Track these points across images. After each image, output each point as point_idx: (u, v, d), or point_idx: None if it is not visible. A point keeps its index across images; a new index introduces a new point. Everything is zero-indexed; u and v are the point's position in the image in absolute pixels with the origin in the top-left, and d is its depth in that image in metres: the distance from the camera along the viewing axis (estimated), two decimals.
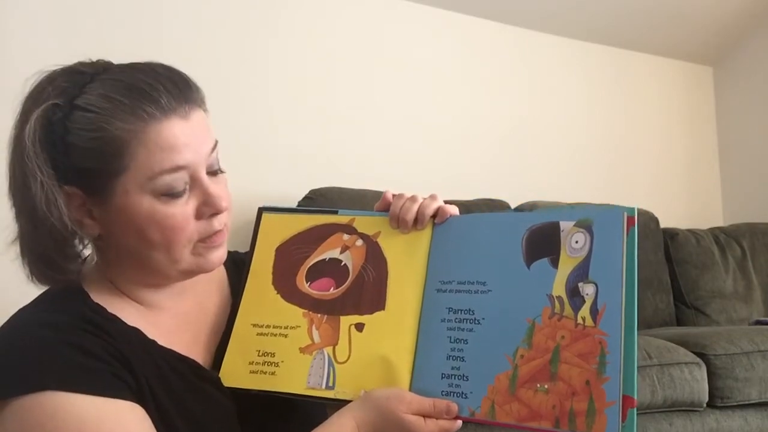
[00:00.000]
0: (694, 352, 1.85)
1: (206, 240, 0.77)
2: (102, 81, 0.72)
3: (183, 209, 0.74)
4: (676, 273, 2.62)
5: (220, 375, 0.81)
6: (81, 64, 0.76)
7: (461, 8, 2.63)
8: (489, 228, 0.81)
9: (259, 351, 0.82)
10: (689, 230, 2.72)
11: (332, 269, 0.86)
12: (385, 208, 0.87)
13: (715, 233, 2.75)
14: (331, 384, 0.78)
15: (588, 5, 2.76)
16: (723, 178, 3.23)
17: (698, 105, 3.25)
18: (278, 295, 0.85)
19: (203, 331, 0.84)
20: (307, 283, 0.85)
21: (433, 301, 0.81)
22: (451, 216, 0.85)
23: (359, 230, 0.87)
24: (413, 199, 0.85)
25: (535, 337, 0.73)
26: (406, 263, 0.84)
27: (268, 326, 0.83)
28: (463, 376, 0.75)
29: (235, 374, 0.81)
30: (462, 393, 0.75)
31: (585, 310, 0.71)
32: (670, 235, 2.68)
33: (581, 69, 2.93)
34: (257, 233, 0.90)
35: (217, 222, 0.77)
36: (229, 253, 0.92)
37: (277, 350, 0.81)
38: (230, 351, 0.83)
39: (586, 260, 0.73)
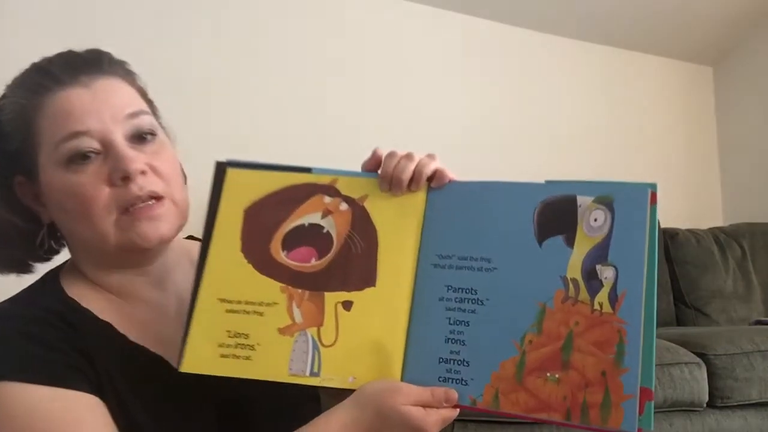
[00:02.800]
0: (694, 352, 1.85)
1: (130, 211, 0.72)
2: (21, 72, 0.77)
3: (93, 177, 0.71)
4: (676, 273, 2.62)
5: (183, 360, 0.71)
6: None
7: (461, 8, 2.63)
8: (496, 198, 0.74)
9: (230, 331, 0.72)
10: (689, 230, 2.72)
11: (313, 237, 0.75)
12: (374, 168, 0.77)
13: (715, 233, 2.75)
14: (316, 370, 0.70)
15: (588, 5, 2.76)
16: (723, 178, 3.23)
17: (698, 105, 3.25)
18: (250, 266, 0.74)
19: (181, 323, 0.81)
20: (283, 252, 0.74)
21: (430, 277, 0.73)
22: (450, 180, 0.76)
23: (343, 192, 0.76)
24: (409, 157, 0.75)
25: (546, 322, 0.67)
26: (398, 232, 0.74)
27: (239, 302, 0.73)
28: (464, 361, 0.69)
29: (201, 358, 0.71)
30: (462, 380, 0.69)
31: (603, 296, 0.66)
32: (670, 235, 2.68)
33: (581, 69, 2.93)
34: (220, 191, 0.76)
35: (136, 187, 0.72)
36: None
37: (251, 331, 0.71)
38: (194, 331, 0.72)
39: (606, 241, 0.67)
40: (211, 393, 0.77)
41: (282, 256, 0.74)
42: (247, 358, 0.71)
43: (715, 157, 3.26)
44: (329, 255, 0.74)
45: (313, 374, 0.70)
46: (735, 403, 1.84)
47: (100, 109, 0.72)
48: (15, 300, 0.77)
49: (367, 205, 0.75)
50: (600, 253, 0.67)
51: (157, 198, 0.74)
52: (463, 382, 0.69)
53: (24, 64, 0.78)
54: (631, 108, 3.03)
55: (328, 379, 0.70)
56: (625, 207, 0.67)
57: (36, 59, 0.77)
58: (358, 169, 0.79)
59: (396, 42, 2.52)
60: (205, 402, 0.78)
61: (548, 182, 0.73)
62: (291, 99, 2.28)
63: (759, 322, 2.38)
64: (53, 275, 0.80)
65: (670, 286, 2.61)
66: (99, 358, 0.72)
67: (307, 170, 0.78)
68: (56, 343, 0.70)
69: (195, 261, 0.84)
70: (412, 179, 0.75)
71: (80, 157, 0.71)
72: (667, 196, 3.15)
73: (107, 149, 0.72)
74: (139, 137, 0.74)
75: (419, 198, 0.75)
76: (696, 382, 1.78)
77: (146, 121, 0.75)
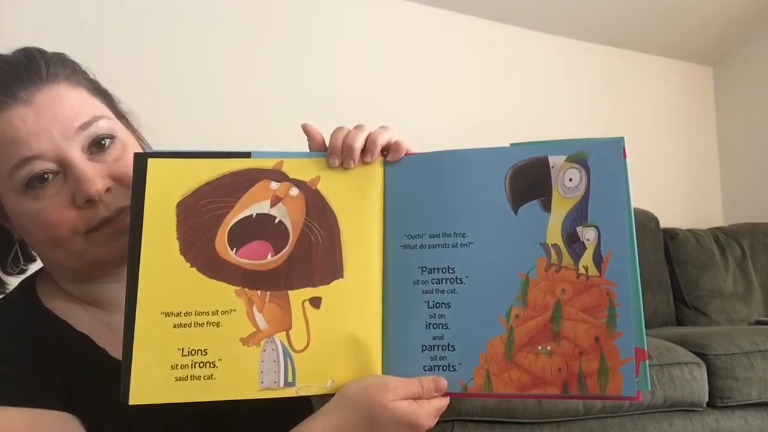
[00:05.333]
0: (694, 352, 1.85)
1: (102, 228, 0.68)
2: None
3: (53, 201, 0.67)
4: (676, 273, 2.62)
5: (129, 392, 0.61)
6: None
7: (461, 8, 2.63)
8: (462, 167, 0.67)
9: (183, 349, 0.62)
10: (689, 230, 2.72)
11: (264, 229, 0.66)
12: (321, 149, 0.70)
13: (715, 233, 2.75)
14: (290, 380, 0.63)
15: (588, 5, 2.76)
16: (723, 178, 3.23)
17: (698, 105, 3.25)
18: (194, 269, 0.64)
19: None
20: (232, 249, 0.65)
21: (400, 259, 0.67)
22: (407, 154, 0.69)
23: (291, 176, 0.68)
24: (359, 127, 0.69)
25: (531, 294, 0.63)
26: (360, 214, 0.67)
27: (187, 314, 0.63)
28: (449, 345, 0.65)
29: (151, 386, 0.61)
30: (449, 365, 0.64)
31: (587, 258, 0.62)
32: (670, 235, 2.68)
33: (581, 69, 2.93)
34: (143, 187, 0.65)
35: (102, 207, 0.68)
36: None
37: (209, 345, 0.62)
38: (137, 355, 0.61)
39: (584, 200, 0.63)
40: (192, 408, 0.74)
41: (231, 255, 0.65)
42: (209, 377, 0.62)
43: (715, 157, 3.26)
44: (287, 248, 0.66)
45: (287, 384, 0.63)
46: (735, 403, 1.84)
47: (47, 127, 0.66)
48: None
49: (320, 187, 0.68)
50: (579, 214, 0.63)
51: (126, 208, 0.69)
52: (451, 368, 0.64)
53: None
54: (631, 108, 3.03)
55: (305, 387, 0.64)
56: (600, 163, 0.64)
57: None
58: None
59: (396, 42, 2.52)
60: (185, 418, 0.73)
61: (513, 145, 0.69)
62: (290, 99, 2.28)
63: (759, 322, 2.39)
64: (30, 285, 0.76)
65: (670, 286, 2.61)
66: (73, 373, 0.69)
67: (246, 154, 0.68)
68: (25, 360, 0.67)
69: None
70: (364, 150, 0.68)
71: (37, 180, 0.66)
72: (667, 196, 3.16)
73: (65, 168, 0.67)
74: (98, 144, 0.69)
75: (377, 173, 0.68)
76: (696, 382, 1.77)
77: (102, 126, 0.69)
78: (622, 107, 3.01)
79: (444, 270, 0.66)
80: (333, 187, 0.68)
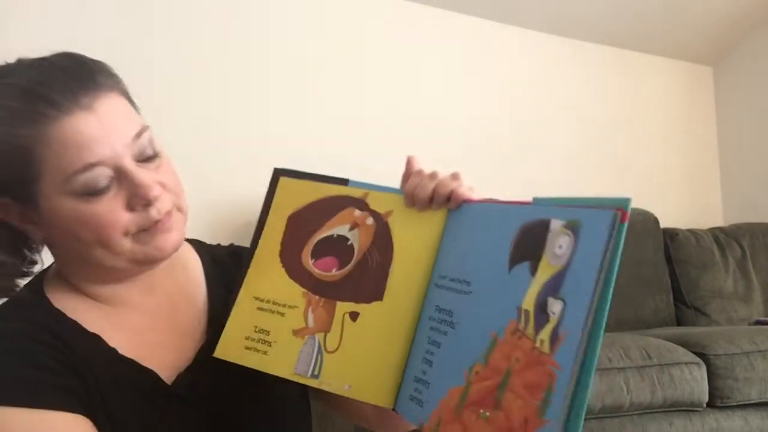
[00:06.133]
0: (694, 352, 1.85)
1: (149, 228, 0.73)
2: (1, 87, 0.70)
3: (110, 205, 0.70)
4: (676, 273, 2.63)
5: (218, 347, 0.77)
6: None
7: (461, 8, 2.63)
8: (488, 219, 0.70)
9: (256, 327, 0.77)
10: (689, 230, 2.72)
11: (338, 248, 0.78)
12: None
13: (715, 233, 2.75)
14: (316, 373, 0.74)
15: (588, 5, 2.76)
16: (723, 178, 3.23)
17: (698, 105, 3.25)
18: (283, 270, 0.79)
19: (174, 330, 0.81)
20: (311, 259, 0.79)
21: (430, 296, 0.73)
22: (464, 202, 0.74)
23: (371, 207, 0.79)
24: (432, 176, 0.76)
25: (494, 354, 0.61)
26: (413, 251, 0.76)
27: (268, 301, 0.78)
28: (426, 382, 0.68)
29: (230, 347, 0.77)
30: (420, 400, 0.67)
31: (546, 332, 0.57)
32: (670, 235, 2.68)
33: (581, 69, 2.93)
34: (272, 198, 0.82)
35: (155, 211, 0.72)
36: (208, 247, 0.91)
37: (272, 329, 0.77)
38: (231, 322, 0.78)
39: (563, 270, 0.58)
40: (206, 406, 0.77)
41: (310, 263, 0.79)
42: (264, 353, 0.76)
43: (715, 157, 3.26)
44: (348, 267, 0.78)
45: (313, 376, 0.74)
46: (735, 403, 1.84)
47: (109, 135, 0.69)
48: (1, 314, 0.74)
49: (390, 220, 0.78)
50: (555, 284, 0.58)
51: (171, 211, 0.75)
52: (420, 403, 0.67)
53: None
54: (631, 108, 3.03)
55: (326, 383, 0.73)
56: (587, 234, 0.57)
57: (13, 79, 0.71)
58: (359, 178, 0.81)
59: (395, 42, 2.52)
60: (199, 416, 0.77)
61: (535, 200, 0.67)
62: (290, 99, 2.28)
63: (759, 322, 2.39)
64: (38, 285, 0.77)
65: (670, 286, 2.61)
66: (88, 373, 0.71)
67: (344, 182, 0.81)
68: (45, 360, 0.69)
69: (186, 266, 0.85)
70: (432, 198, 0.75)
71: (97, 189, 0.69)
72: (667, 196, 3.16)
73: (120, 175, 0.70)
74: (144, 153, 0.73)
75: (439, 218, 0.76)
76: (696, 382, 1.78)
77: (147, 138, 0.74)
78: (622, 107, 3.01)
79: (445, 312, 0.70)
80: (400, 223, 0.78)
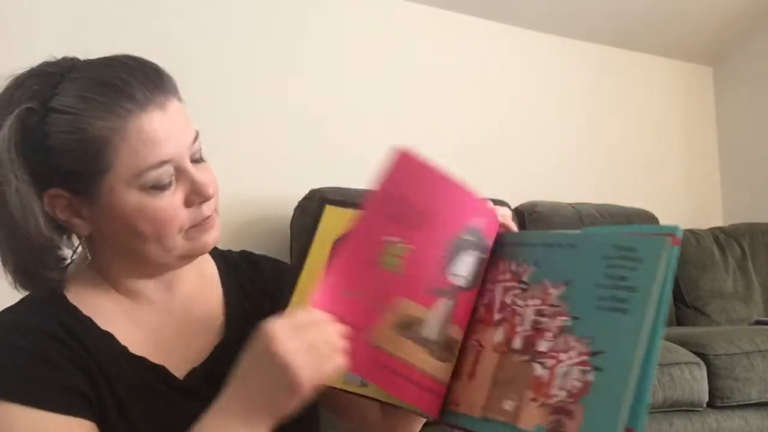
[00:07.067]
0: (694, 352, 1.85)
1: (198, 225, 0.77)
2: (73, 80, 0.71)
3: (171, 200, 0.73)
4: (676, 273, 2.62)
5: None
6: (47, 64, 0.75)
7: (461, 8, 2.63)
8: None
9: None
10: (689, 230, 2.72)
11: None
12: None
13: (715, 233, 2.75)
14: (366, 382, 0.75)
15: (588, 5, 2.76)
16: (723, 178, 3.23)
17: (698, 105, 3.25)
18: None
19: (188, 327, 0.82)
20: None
21: None
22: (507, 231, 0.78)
23: None
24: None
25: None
26: None
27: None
28: None
29: None
30: None
31: None
32: None
33: (581, 69, 2.93)
34: (317, 226, 0.82)
35: (206, 208, 0.77)
36: (221, 251, 0.92)
37: None
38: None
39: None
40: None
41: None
42: None
43: (715, 157, 3.26)
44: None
45: (363, 384, 0.73)
46: (735, 403, 1.84)
47: (176, 135, 0.73)
48: (17, 310, 0.76)
49: None
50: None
51: (214, 209, 0.79)
52: None
53: (22, 59, 0.74)
54: (631, 108, 3.03)
55: (374, 389, 0.72)
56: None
57: (83, 73, 0.72)
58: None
59: (396, 42, 2.52)
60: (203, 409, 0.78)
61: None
62: (289, 99, 2.28)
63: (759, 322, 2.39)
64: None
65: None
66: (100, 371, 0.72)
67: None
68: (58, 359, 0.70)
69: (201, 266, 0.86)
70: None
71: (163, 184, 0.73)
72: (667, 196, 3.14)
73: (179, 173, 0.74)
74: (197, 160, 0.77)
75: None
76: (696, 382, 1.78)
77: (199, 143, 0.78)
78: (622, 107, 3.01)
79: None
80: None
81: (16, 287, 0.76)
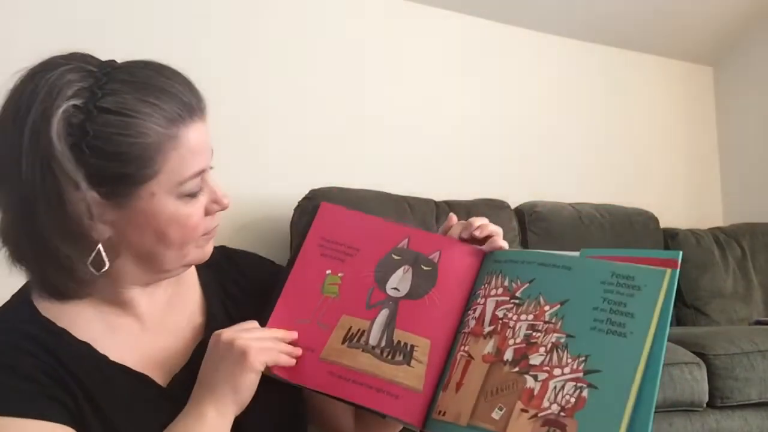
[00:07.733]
0: (694, 352, 1.85)
1: (207, 234, 0.79)
2: (122, 82, 0.69)
3: (197, 208, 0.75)
4: None
5: None
6: (82, 59, 0.71)
7: (460, 8, 2.63)
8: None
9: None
10: (689, 230, 2.72)
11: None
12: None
13: (715, 233, 2.75)
14: None
15: (588, 5, 2.76)
16: (723, 178, 3.23)
17: (698, 105, 3.25)
18: None
19: (167, 331, 0.81)
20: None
21: None
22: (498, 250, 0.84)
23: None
24: (474, 222, 0.86)
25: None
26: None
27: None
28: None
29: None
30: None
31: None
32: (670, 235, 2.68)
33: (581, 69, 2.93)
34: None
35: (217, 218, 0.79)
36: None
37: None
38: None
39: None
40: None
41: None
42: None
43: (715, 157, 3.26)
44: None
45: None
46: (735, 403, 1.84)
47: (209, 145, 0.76)
48: None
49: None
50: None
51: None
52: None
53: (23, 61, 0.71)
54: (631, 108, 3.03)
55: None
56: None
57: (133, 77, 0.70)
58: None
59: (396, 42, 2.52)
60: None
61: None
62: (289, 99, 2.28)
63: (759, 322, 2.39)
64: (24, 295, 0.76)
65: None
66: (77, 384, 0.70)
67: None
68: (30, 371, 0.68)
69: (181, 274, 0.84)
70: (473, 238, 0.86)
71: (196, 192, 0.74)
72: (667, 196, 3.14)
73: (203, 183, 0.76)
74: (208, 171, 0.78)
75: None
76: (696, 382, 1.78)
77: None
78: (622, 107, 3.01)
79: None
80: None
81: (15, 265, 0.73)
